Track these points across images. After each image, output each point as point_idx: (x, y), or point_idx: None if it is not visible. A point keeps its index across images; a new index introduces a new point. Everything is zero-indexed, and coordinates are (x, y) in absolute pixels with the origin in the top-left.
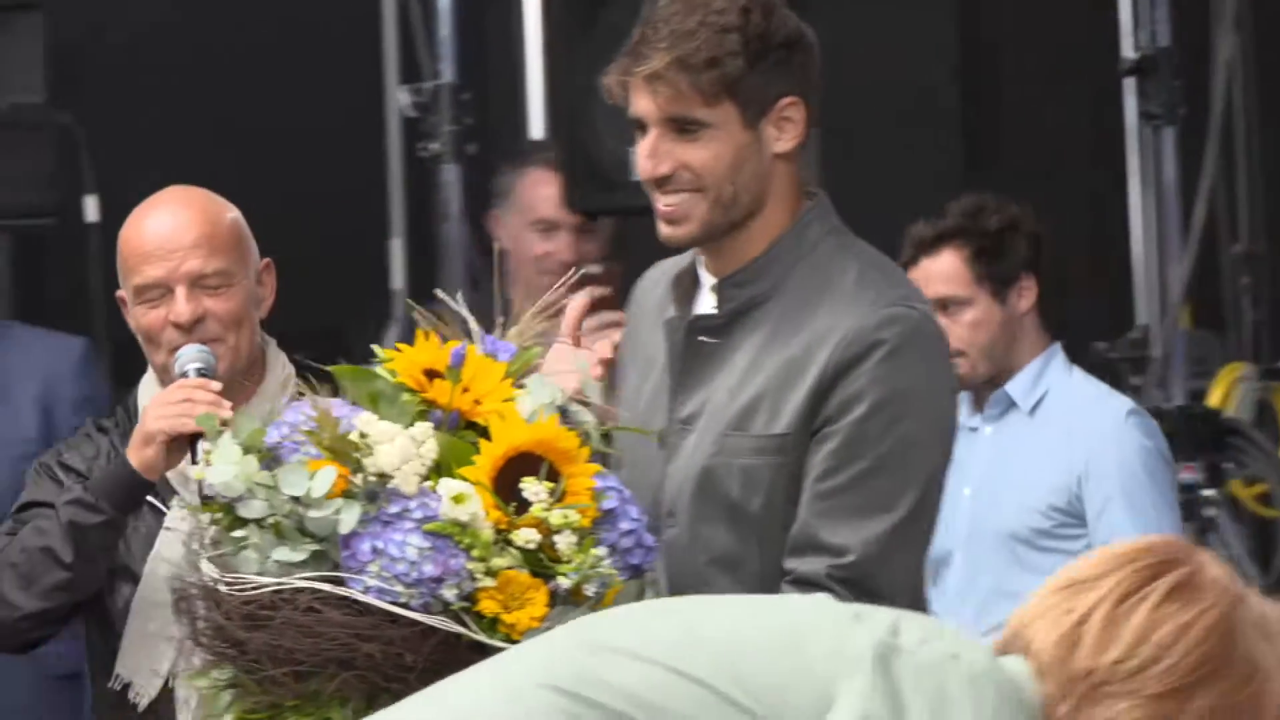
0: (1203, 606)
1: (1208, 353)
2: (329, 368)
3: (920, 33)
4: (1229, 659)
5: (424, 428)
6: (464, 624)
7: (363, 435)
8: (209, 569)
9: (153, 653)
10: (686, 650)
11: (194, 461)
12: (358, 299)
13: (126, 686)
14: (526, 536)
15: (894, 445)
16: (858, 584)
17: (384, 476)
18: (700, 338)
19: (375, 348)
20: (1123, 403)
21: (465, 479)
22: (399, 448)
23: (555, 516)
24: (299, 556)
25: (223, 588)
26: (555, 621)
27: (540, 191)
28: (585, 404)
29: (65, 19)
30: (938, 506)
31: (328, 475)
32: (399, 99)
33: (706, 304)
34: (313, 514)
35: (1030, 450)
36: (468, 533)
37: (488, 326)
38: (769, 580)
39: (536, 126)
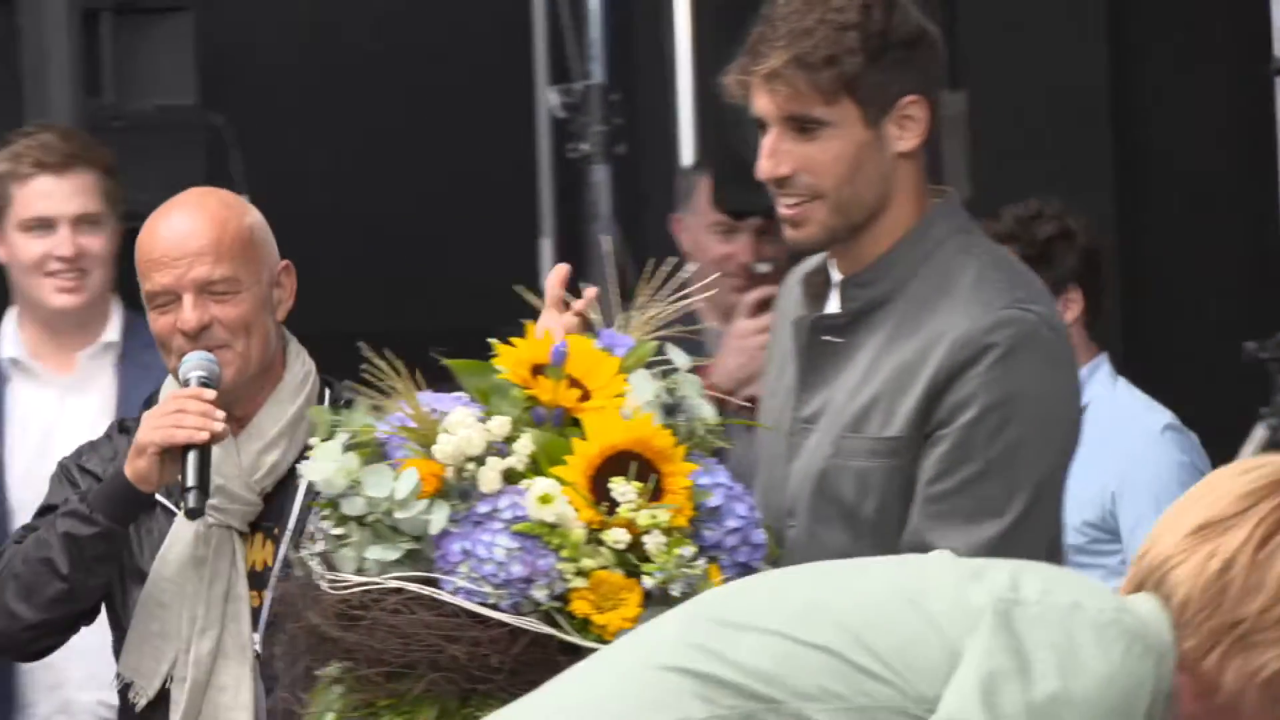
0: None
1: None
2: (449, 361)
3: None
4: None
5: (502, 421)
6: (556, 625)
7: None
8: (316, 566)
9: (154, 653)
10: (809, 618)
11: (182, 474)
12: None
13: (128, 686)
14: (616, 536)
15: (1003, 450)
16: None
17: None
18: (824, 337)
19: (492, 342)
20: (1160, 417)
21: (558, 478)
22: (458, 440)
23: (642, 517)
24: (393, 555)
25: (324, 584)
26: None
27: None
28: (711, 397)
29: (215, 21)
30: (1053, 511)
31: (411, 476)
32: (549, 100)
33: (835, 303)
34: (399, 514)
35: None
36: (556, 533)
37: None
38: None
39: (685, 127)
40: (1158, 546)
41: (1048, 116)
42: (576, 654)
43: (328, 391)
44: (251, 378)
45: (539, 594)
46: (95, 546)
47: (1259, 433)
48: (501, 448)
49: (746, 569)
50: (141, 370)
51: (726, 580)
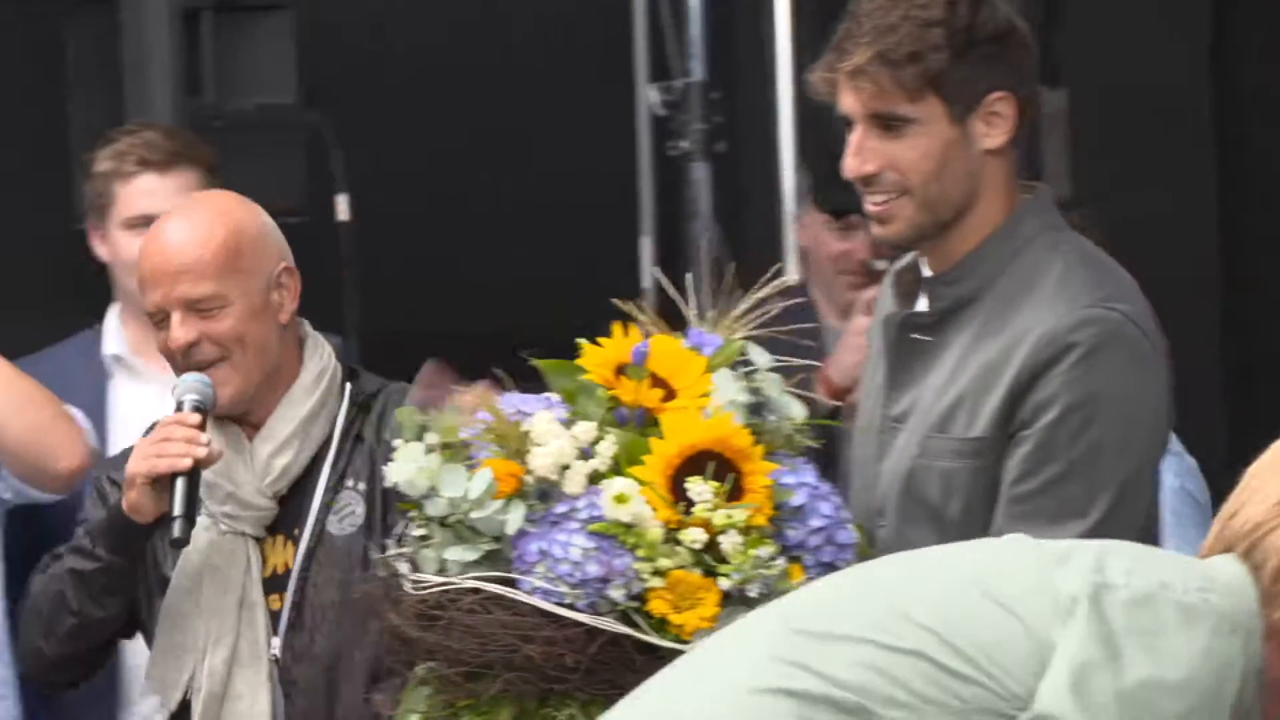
0: None
1: None
2: (537, 361)
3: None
4: None
5: (587, 427)
6: (633, 624)
7: (529, 436)
8: (401, 566)
9: (175, 664)
10: (894, 622)
11: (170, 504)
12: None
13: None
14: (693, 536)
15: (1085, 450)
16: None
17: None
18: (913, 335)
19: (580, 342)
20: None
21: (635, 478)
22: (554, 451)
23: (718, 516)
24: (472, 556)
25: (406, 585)
26: (724, 622)
27: None
28: (799, 396)
29: (316, 19)
30: (1139, 511)
31: (485, 476)
32: (649, 97)
33: (924, 301)
34: (475, 514)
35: None
36: (632, 533)
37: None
38: None
39: (785, 124)
40: (1246, 510)
41: (1149, 114)
42: (653, 653)
43: (349, 386)
44: (258, 385)
45: (616, 593)
46: (99, 580)
47: None
48: (586, 450)
49: (832, 568)
50: None
51: (809, 580)
